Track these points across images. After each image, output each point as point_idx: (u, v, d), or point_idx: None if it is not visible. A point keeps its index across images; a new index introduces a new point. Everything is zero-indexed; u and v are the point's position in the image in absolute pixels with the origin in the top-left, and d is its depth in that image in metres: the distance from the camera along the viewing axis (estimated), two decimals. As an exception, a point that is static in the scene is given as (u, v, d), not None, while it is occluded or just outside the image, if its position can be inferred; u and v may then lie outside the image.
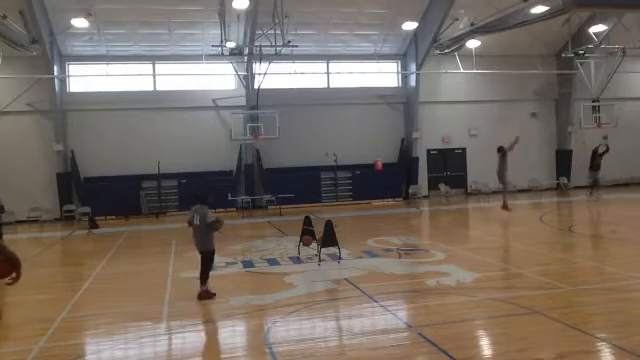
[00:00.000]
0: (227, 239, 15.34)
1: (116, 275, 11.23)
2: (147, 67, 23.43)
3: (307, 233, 11.70)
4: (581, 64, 24.72)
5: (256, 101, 22.86)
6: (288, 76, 23.71)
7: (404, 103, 25.65)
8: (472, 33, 21.78)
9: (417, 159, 25.41)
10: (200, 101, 23.45)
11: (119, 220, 21.72)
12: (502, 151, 17.87)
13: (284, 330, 7.20)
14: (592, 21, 23.55)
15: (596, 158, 21.51)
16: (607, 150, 21.38)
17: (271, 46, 20.88)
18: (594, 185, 21.61)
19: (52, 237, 17.69)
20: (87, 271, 11.65)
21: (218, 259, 12.12)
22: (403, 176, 25.15)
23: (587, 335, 6.34)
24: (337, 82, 25.08)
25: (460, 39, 22.67)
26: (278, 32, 20.76)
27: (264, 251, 12.98)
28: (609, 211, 19.16)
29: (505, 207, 17.66)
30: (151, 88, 23.47)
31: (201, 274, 8.70)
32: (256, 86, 22.87)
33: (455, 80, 25.27)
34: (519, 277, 9.33)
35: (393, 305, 8.10)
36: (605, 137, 22.01)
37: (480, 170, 25.30)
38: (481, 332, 6.87)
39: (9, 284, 5.21)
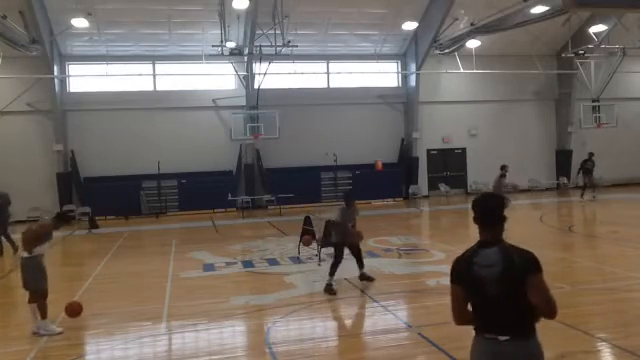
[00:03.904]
0: (227, 239, 15.36)
1: (116, 275, 11.23)
2: (147, 67, 23.41)
3: (307, 233, 11.71)
4: (581, 64, 24.70)
5: (256, 101, 22.85)
6: (288, 76, 23.67)
7: (404, 103, 25.63)
8: (472, 33, 21.76)
9: (417, 159, 25.38)
10: (200, 101, 23.43)
11: (119, 220, 21.71)
12: (504, 170, 17.73)
13: (284, 330, 7.21)
14: (592, 21, 23.53)
15: (586, 164, 21.52)
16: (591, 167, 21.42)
17: (271, 46, 20.86)
18: (586, 187, 21.50)
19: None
20: (87, 271, 11.65)
21: (218, 259, 12.18)
22: (403, 176, 25.13)
23: (587, 335, 6.34)
24: (337, 82, 25.05)
25: (460, 39, 22.65)
26: (278, 32, 20.75)
27: (264, 251, 12.99)
28: (609, 211, 19.16)
29: None
30: (151, 88, 23.45)
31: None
32: (256, 86, 22.86)
33: (455, 80, 25.24)
34: (519, 277, 9.31)
35: (393, 305, 8.10)
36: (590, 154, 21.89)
37: (480, 170, 25.28)
38: (481, 332, 6.86)
39: None
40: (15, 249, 14.31)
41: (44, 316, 7.19)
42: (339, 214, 9.14)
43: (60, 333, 7.18)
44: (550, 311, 3.06)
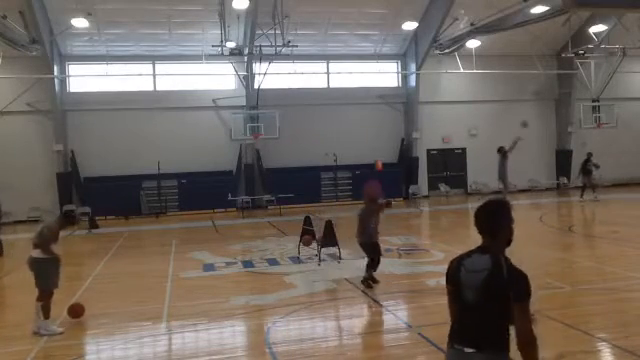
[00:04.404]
0: (227, 239, 15.37)
1: (116, 275, 11.23)
2: (147, 67, 23.40)
3: (307, 233, 11.71)
4: (581, 64, 24.70)
5: (256, 101, 22.86)
6: (288, 76, 23.68)
7: (404, 103, 25.63)
8: (472, 33, 21.77)
9: (417, 159, 25.38)
10: (200, 101, 23.43)
11: (119, 220, 21.71)
12: (502, 151, 17.78)
13: (284, 330, 7.21)
14: (592, 21, 23.53)
15: (586, 165, 21.55)
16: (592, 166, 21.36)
17: (271, 46, 20.87)
18: (585, 187, 21.52)
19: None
20: (87, 271, 11.64)
21: (218, 259, 12.19)
22: (403, 176, 25.13)
23: (587, 335, 6.34)
24: (337, 82, 25.05)
25: (460, 39, 22.65)
26: (278, 32, 20.75)
27: (264, 251, 12.98)
28: (609, 211, 19.15)
29: None
30: (151, 88, 23.45)
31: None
32: (256, 86, 22.87)
33: (455, 80, 25.24)
34: (519, 277, 9.31)
35: (393, 305, 8.11)
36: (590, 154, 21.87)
37: (480, 170, 25.29)
38: (481, 332, 6.86)
39: None
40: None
41: (47, 316, 7.25)
42: (360, 212, 9.10)
43: (61, 333, 7.21)
44: (520, 342, 2.89)
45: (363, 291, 8.78)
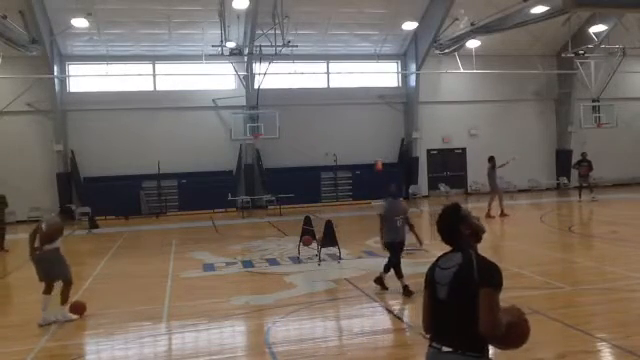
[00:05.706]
0: (227, 239, 15.37)
1: (116, 275, 11.23)
2: (147, 67, 23.41)
3: (307, 233, 11.71)
4: (581, 64, 24.68)
5: (256, 101, 22.86)
6: (288, 76, 23.66)
7: (404, 103, 25.63)
8: (472, 33, 21.75)
9: (417, 159, 25.38)
10: (200, 101, 23.43)
11: (119, 220, 21.71)
12: (492, 162, 17.82)
13: (284, 330, 7.20)
14: (592, 21, 23.52)
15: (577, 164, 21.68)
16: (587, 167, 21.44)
17: (271, 46, 20.87)
18: (582, 187, 21.56)
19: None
20: (87, 271, 11.64)
21: (218, 259, 12.18)
22: (403, 176, 25.11)
23: (587, 335, 6.34)
24: (337, 82, 25.04)
25: (460, 39, 22.65)
26: (278, 32, 20.75)
27: (264, 251, 12.99)
28: (609, 211, 19.15)
29: (503, 214, 17.43)
30: (151, 88, 23.45)
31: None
32: (256, 86, 22.86)
33: (455, 80, 25.23)
34: (519, 277, 9.32)
35: (393, 305, 8.10)
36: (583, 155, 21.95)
37: (480, 170, 25.19)
38: (481, 332, 6.85)
39: None
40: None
41: (64, 302, 7.63)
42: (385, 206, 8.59)
43: (72, 320, 7.60)
44: (486, 330, 2.85)
45: (363, 291, 8.78)
